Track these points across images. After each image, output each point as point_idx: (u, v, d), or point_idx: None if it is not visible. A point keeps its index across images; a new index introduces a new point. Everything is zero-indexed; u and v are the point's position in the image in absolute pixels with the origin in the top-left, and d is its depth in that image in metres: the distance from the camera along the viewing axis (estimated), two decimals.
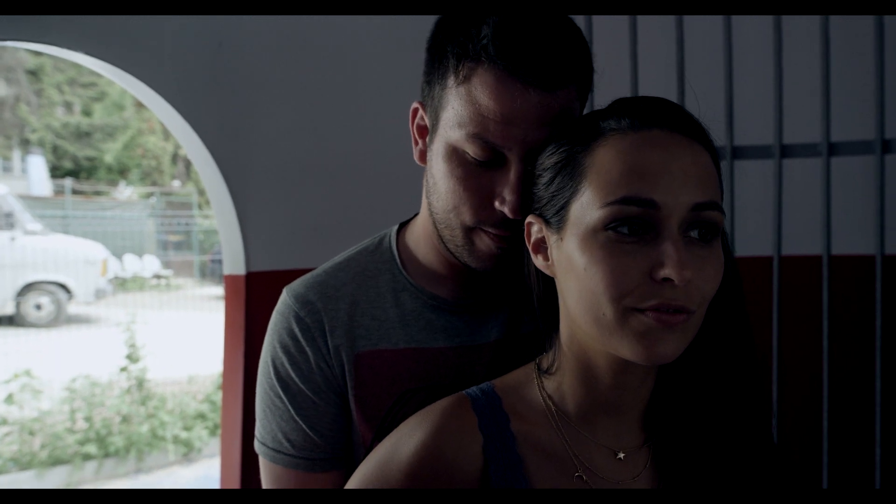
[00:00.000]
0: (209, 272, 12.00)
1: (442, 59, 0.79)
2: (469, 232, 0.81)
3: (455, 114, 0.77)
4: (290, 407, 0.87)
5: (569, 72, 0.76)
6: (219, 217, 1.97)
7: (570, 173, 0.68)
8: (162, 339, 6.85)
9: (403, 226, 0.96)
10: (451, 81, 0.78)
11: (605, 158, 0.66)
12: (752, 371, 0.73)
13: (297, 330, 0.87)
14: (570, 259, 0.67)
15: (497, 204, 0.77)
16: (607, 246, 0.64)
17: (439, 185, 0.81)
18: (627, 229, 0.64)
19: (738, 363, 0.73)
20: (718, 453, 0.72)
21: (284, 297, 0.91)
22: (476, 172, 0.78)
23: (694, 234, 0.65)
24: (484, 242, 0.80)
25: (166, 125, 1.87)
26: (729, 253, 0.71)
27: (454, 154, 0.78)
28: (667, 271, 0.62)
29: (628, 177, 0.64)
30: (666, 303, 0.62)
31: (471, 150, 0.77)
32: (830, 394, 1.65)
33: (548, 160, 0.72)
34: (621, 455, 0.72)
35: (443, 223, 0.83)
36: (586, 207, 0.66)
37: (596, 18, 1.78)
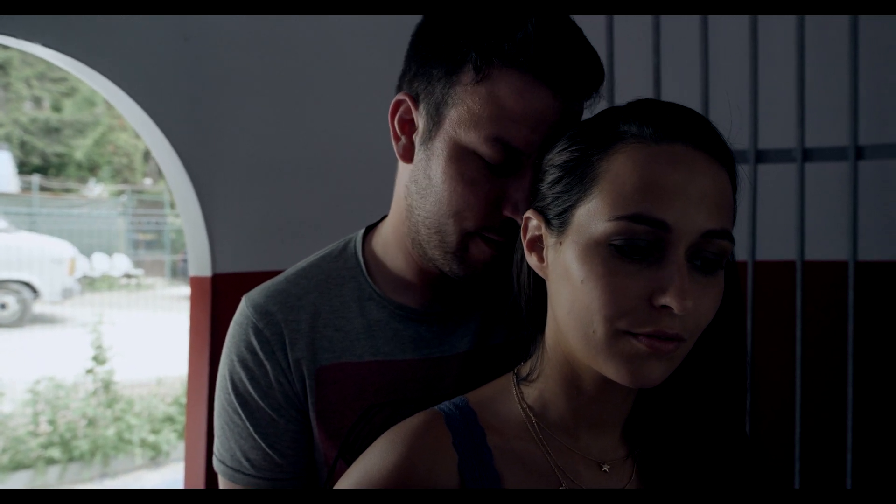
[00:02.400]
0: (181, 272, 11.83)
1: (453, 54, 0.74)
2: (467, 238, 0.76)
3: (470, 113, 0.73)
4: (248, 424, 0.83)
5: (591, 85, 0.75)
6: (184, 217, 1.92)
7: (581, 176, 0.64)
8: (130, 340, 6.72)
9: (370, 230, 0.91)
10: (466, 78, 0.73)
11: (621, 168, 0.62)
12: (740, 388, 0.72)
13: (255, 343, 0.83)
14: (567, 267, 0.64)
15: (508, 211, 0.73)
16: (609, 262, 0.61)
17: (438, 188, 0.76)
18: (633, 247, 0.60)
19: (727, 380, 0.71)
20: (703, 465, 0.71)
21: (243, 308, 0.86)
22: (487, 177, 0.74)
23: (699, 261, 0.62)
24: (479, 249, 0.76)
25: (129, 121, 1.82)
26: (734, 272, 0.69)
27: (465, 156, 0.74)
28: (667, 299, 0.59)
29: (642, 193, 0.60)
30: (661, 330, 0.60)
31: (487, 153, 0.72)
32: (803, 398, 1.65)
33: (558, 157, 0.68)
34: (606, 468, 0.70)
35: (434, 227, 0.77)
36: (593, 216, 0.62)
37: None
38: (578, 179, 0.65)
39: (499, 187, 0.74)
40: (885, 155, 1.60)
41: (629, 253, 0.60)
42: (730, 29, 1.96)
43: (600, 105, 0.77)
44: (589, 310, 0.62)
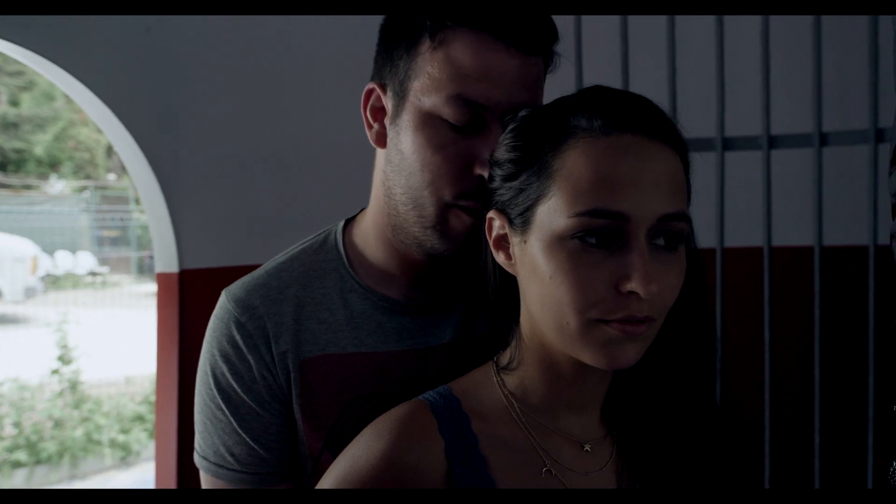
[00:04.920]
0: (147, 269, 11.63)
1: (410, 30, 0.76)
2: (445, 210, 0.76)
3: (430, 79, 0.74)
4: (232, 419, 0.82)
5: (544, 39, 0.76)
6: (149, 212, 1.88)
7: (537, 173, 0.66)
8: (97, 339, 6.60)
9: (349, 223, 0.91)
10: (423, 48, 0.75)
11: (574, 164, 0.64)
12: (709, 365, 0.74)
13: (238, 337, 0.82)
14: (534, 263, 0.66)
15: (477, 168, 0.74)
16: (574, 255, 0.63)
17: (410, 160, 0.76)
18: (595, 239, 0.63)
19: (697, 357, 0.74)
20: (680, 442, 0.74)
21: (223, 302, 0.85)
22: (454, 139, 0.74)
23: (660, 241, 0.64)
24: (460, 220, 0.76)
25: (90, 115, 1.77)
26: (693, 250, 0.71)
27: (430, 122, 0.75)
28: (633, 285, 0.61)
29: (598, 188, 0.62)
30: (632, 315, 0.63)
31: (449, 113, 0.73)
32: (772, 381, 1.68)
33: (507, 153, 0.70)
34: (588, 447, 0.72)
35: (410, 204, 0.78)
36: (553, 214, 0.64)
37: None
38: (535, 177, 0.66)
39: (467, 148, 0.74)
40: (848, 141, 1.63)
41: (592, 244, 0.63)
42: (696, 20, 1.97)
43: (567, 84, 0.78)
44: (560, 303, 0.64)
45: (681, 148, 0.67)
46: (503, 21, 0.73)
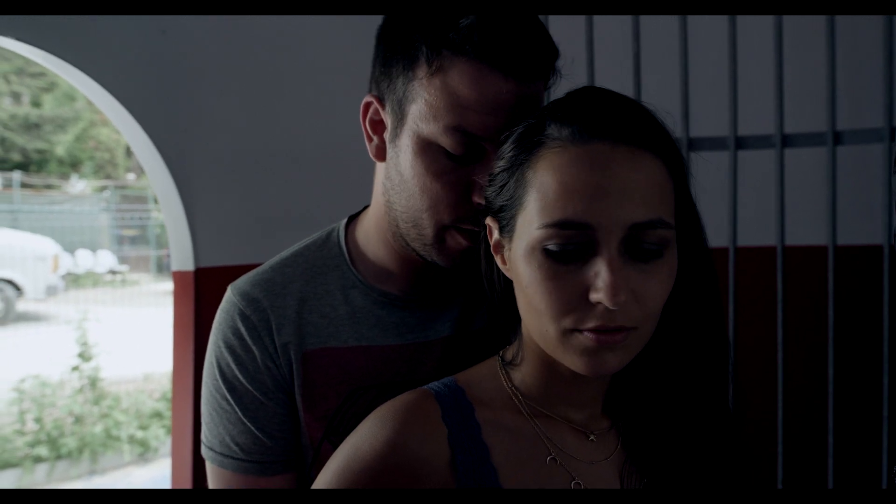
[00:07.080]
0: (166, 267, 11.75)
1: (408, 50, 0.76)
2: (442, 231, 0.78)
3: (428, 106, 0.74)
4: (237, 409, 0.84)
5: (542, 65, 0.76)
6: (166, 211, 1.91)
7: (517, 183, 0.67)
8: (116, 337, 6.68)
9: (352, 220, 0.93)
10: (421, 72, 0.75)
11: (544, 175, 0.64)
12: (719, 361, 0.74)
13: (242, 328, 0.84)
14: (517, 271, 0.68)
15: (476, 196, 0.75)
16: (545, 265, 0.64)
17: (410, 183, 0.78)
18: (564, 249, 0.63)
19: (704, 354, 0.73)
20: (685, 436, 0.74)
21: (229, 295, 0.88)
22: (453, 167, 0.76)
23: (637, 251, 0.64)
24: (455, 240, 0.79)
25: (107, 116, 1.80)
26: (704, 249, 0.71)
27: (428, 149, 0.76)
28: (599, 296, 0.61)
29: (564, 199, 0.62)
30: (604, 325, 0.63)
31: (447, 143, 0.74)
32: (785, 380, 1.67)
33: (499, 163, 0.71)
34: (593, 437, 0.73)
35: (410, 222, 0.80)
36: (527, 224, 0.65)
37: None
38: (514, 187, 0.68)
39: (466, 176, 0.76)
40: (862, 140, 1.62)
41: (562, 256, 0.63)
42: (709, 19, 1.97)
43: (579, 85, 0.78)
44: (538, 311, 0.65)
45: (664, 152, 0.65)
46: (501, 50, 0.72)
